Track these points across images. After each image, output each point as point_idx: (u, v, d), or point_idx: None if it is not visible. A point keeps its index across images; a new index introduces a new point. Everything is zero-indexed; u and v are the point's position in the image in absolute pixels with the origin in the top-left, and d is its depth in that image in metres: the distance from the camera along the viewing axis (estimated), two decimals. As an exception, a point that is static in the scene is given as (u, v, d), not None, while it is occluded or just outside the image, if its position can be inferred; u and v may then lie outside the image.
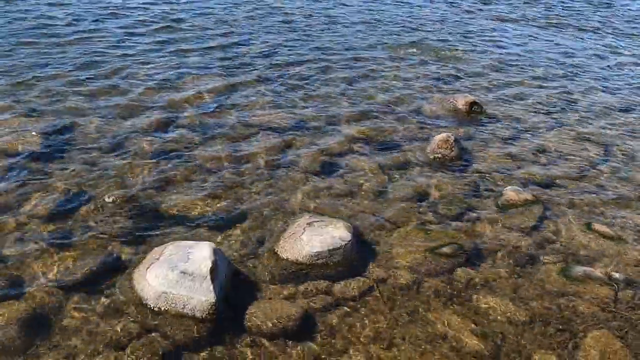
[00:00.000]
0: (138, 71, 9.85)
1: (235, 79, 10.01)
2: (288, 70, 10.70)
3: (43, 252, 5.41)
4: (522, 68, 12.32)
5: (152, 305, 4.75)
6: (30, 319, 4.64)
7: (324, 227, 5.77)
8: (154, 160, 7.16)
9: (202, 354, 4.52)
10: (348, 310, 5.11)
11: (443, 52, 12.78)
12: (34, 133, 7.43)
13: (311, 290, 5.24)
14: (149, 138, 7.67)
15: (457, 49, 13.10)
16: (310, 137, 8.18)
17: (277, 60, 11.15)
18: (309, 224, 5.82)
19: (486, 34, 14.77)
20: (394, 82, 10.69)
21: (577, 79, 12.05)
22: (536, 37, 15.03)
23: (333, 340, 4.77)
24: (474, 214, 6.70)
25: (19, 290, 4.94)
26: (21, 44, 10.50)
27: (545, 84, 11.49)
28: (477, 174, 7.66)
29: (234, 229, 6.02)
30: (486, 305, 5.28)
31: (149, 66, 10.15)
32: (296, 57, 11.40)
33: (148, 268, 4.95)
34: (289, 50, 11.83)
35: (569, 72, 12.41)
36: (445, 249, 5.89)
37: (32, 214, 5.93)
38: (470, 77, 11.46)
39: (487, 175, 7.67)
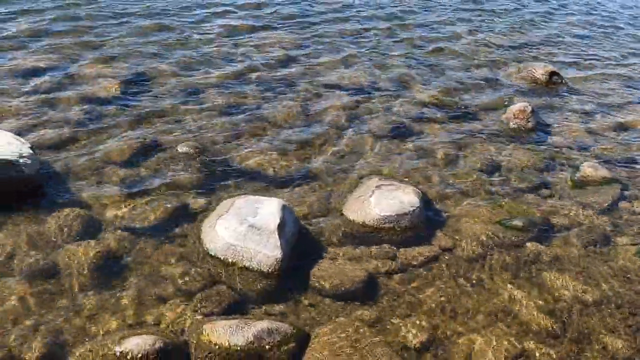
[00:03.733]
0: (211, 25, 9.89)
1: (310, 36, 9.93)
2: (364, 33, 10.53)
3: (117, 197, 5.57)
4: (606, 38, 11.74)
5: (219, 256, 4.84)
6: (103, 259, 4.81)
7: (392, 191, 5.71)
8: (226, 113, 7.23)
9: (265, 308, 4.59)
10: (412, 276, 5.08)
11: (522, 21, 12.29)
12: (112, 81, 7.60)
13: (376, 253, 5.23)
14: (222, 91, 7.73)
15: (536, 17, 12.57)
16: (382, 100, 8.07)
17: (354, 23, 10.96)
18: (378, 187, 5.77)
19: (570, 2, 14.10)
20: (471, 50, 10.37)
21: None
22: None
23: (395, 306, 4.76)
24: (548, 189, 6.51)
25: (94, 232, 5.12)
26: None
27: (631, 58, 10.92)
28: (553, 147, 7.40)
29: (302, 187, 6.04)
30: (554, 283, 5.15)
31: (221, 20, 10.18)
32: (374, 23, 11.14)
33: (217, 219, 5.03)
34: (366, 14, 11.60)
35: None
36: (516, 222, 5.75)
37: (108, 159, 6.09)
38: (550, 46, 11.02)
39: (564, 149, 7.41)
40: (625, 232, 5.92)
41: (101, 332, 4.22)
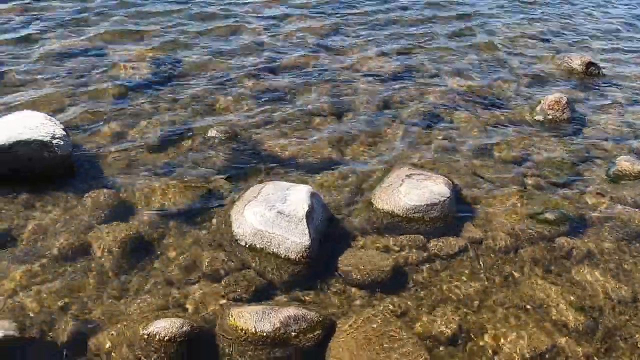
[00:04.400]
0: (245, 13, 9.85)
1: (341, 23, 9.85)
2: (397, 19, 10.40)
3: (148, 180, 5.60)
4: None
5: (247, 242, 4.83)
6: (133, 242, 4.85)
7: (422, 181, 5.64)
8: (257, 100, 7.22)
9: (292, 295, 4.59)
10: (441, 268, 5.02)
11: (560, 12, 12.02)
12: (146, 65, 7.63)
13: (405, 243, 5.18)
14: (255, 79, 7.72)
15: (574, 8, 12.30)
16: (414, 88, 7.97)
17: (388, 12, 10.81)
18: (408, 176, 5.70)
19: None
20: (505, 37, 10.19)
21: None
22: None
23: (423, 297, 4.72)
24: (582, 182, 6.37)
25: (124, 215, 5.16)
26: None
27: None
28: (588, 140, 7.24)
29: (331, 175, 6.00)
30: (587, 278, 5.05)
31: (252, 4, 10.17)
32: (409, 13, 10.94)
33: (246, 205, 5.02)
34: (402, 3, 11.42)
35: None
36: (548, 215, 5.64)
37: (139, 142, 6.13)
38: (587, 37, 10.76)
39: (599, 142, 7.24)
40: (662, 228, 5.77)
41: (129, 314, 4.25)
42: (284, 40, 8.98)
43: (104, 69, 7.48)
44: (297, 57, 8.43)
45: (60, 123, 5.66)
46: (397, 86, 7.96)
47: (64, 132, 5.51)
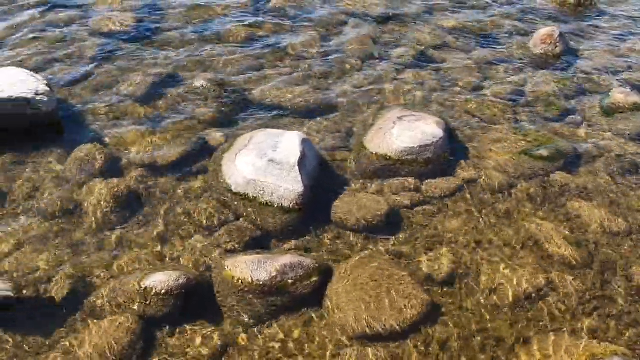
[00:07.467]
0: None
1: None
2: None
3: (137, 133, 5.52)
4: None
5: (240, 192, 4.79)
6: (125, 197, 4.80)
7: (414, 122, 5.56)
8: (243, 46, 7.06)
9: (288, 242, 4.58)
10: (436, 209, 5.00)
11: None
12: (125, 15, 7.43)
13: (399, 186, 5.14)
14: (239, 22, 7.53)
15: None
16: (403, 27, 7.80)
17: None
18: (400, 118, 5.62)
19: None
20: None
21: None
22: None
23: (419, 238, 4.72)
24: (576, 116, 6.31)
25: (115, 169, 5.10)
26: None
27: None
28: (581, 73, 7.14)
29: (322, 120, 5.92)
30: (582, 213, 5.04)
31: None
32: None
33: (237, 154, 4.96)
34: None
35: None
36: (542, 152, 5.60)
37: (126, 95, 6.02)
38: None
39: (593, 74, 7.14)
40: (656, 160, 5.74)
41: (125, 269, 4.25)
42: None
43: (83, 20, 7.28)
44: (283, 1, 8.20)
45: (44, 79, 5.54)
46: (387, 27, 7.78)
47: (47, 88, 5.39)
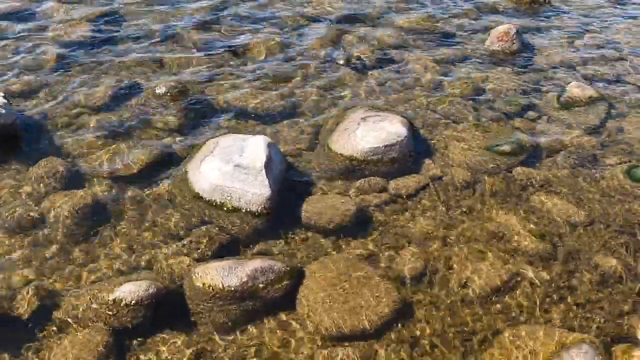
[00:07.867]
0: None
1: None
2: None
3: (99, 144, 5.44)
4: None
5: (207, 198, 4.76)
6: (90, 208, 4.72)
7: (378, 122, 5.60)
8: (203, 51, 7.02)
9: (257, 247, 4.57)
10: (403, 207, 5.05)
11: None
12: (81, 22, 7.33)
13: (365, 186, 5.17)
14: (198, 26, 7.50)
15: None
16: (363, 29, 7.85)
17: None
18: (364, 118, 5.66)
19: None
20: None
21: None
22: None
23: (387, 237, 4.75)
24: (535, 111, 6.43)
25: (77, 181, 5.02)
26: None
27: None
28: (539, 69, 7.28)
29: (286, 123, 5.93)
30: (545, 206, 5.14)
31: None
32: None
33: (202, 160, 4.92)
34: None
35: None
36: (504, 147, 5.69)
37: (86, 105, 5.93)
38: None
39: (550, 70, 7.29)
40: (613, 151, 5.88)
41: (93, 281, 4.18)
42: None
43: (39, 30, 7.15)
44: (241, 4, 8.19)
45: (1, 91, 5.42)
46: (346, 28, 7.82)
47: (4, 100, 5.28)
